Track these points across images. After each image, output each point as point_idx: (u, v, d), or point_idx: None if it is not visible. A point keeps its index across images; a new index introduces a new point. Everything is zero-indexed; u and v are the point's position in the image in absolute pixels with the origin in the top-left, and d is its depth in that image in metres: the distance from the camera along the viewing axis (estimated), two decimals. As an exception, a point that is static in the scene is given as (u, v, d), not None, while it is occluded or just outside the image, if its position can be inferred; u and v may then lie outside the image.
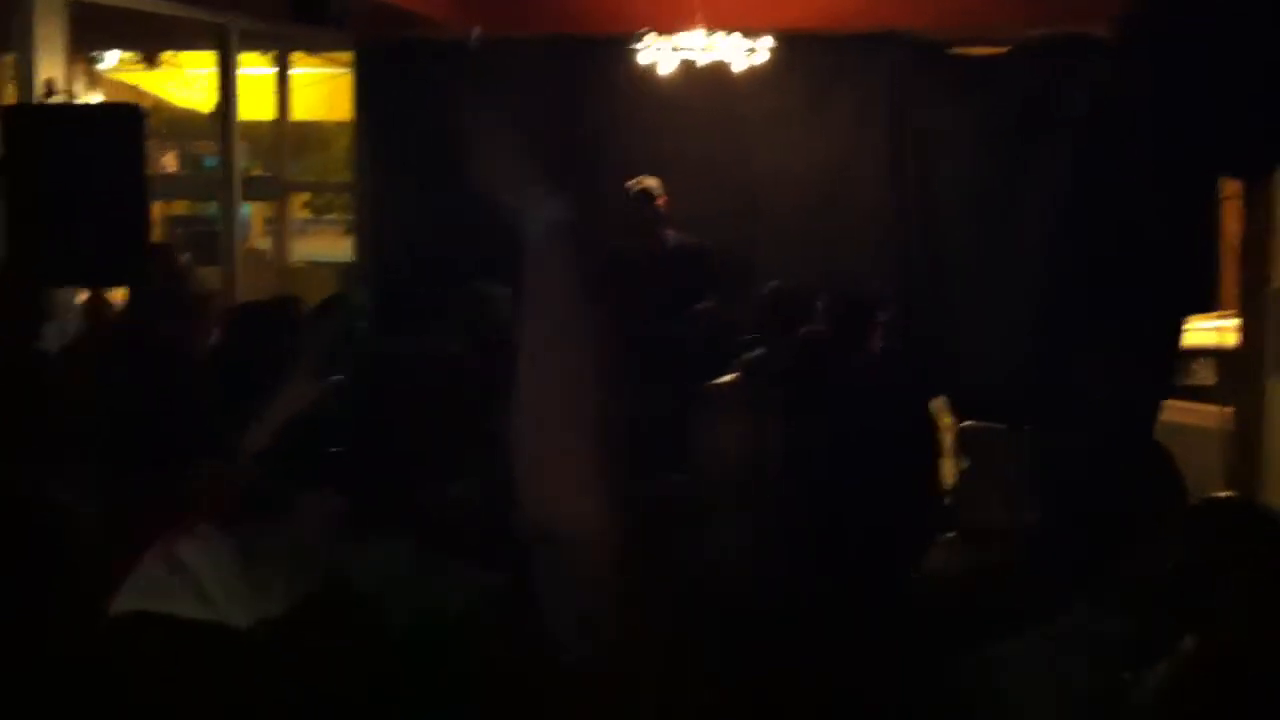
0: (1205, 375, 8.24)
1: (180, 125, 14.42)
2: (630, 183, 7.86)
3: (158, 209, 12.65)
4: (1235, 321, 7.18)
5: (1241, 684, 2.29)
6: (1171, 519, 2.76)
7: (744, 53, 7.90)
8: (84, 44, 8.99)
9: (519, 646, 2.24)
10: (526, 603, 2.36)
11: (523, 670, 2.15)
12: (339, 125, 13.14)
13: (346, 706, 1.58)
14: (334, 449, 2.55)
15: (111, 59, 11.21)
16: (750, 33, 7.95)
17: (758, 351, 5.90)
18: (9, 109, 7.66)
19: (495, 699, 2.16)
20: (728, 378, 5.73)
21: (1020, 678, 2.54)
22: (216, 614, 1.74)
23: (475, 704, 2.13)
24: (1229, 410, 7.02)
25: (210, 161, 13.80)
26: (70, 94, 7.48)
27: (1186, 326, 7.43)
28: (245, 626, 1.66)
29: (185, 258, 5.76)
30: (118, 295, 6.32)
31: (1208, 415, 7.30)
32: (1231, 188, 7.41)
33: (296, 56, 10.88)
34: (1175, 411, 7.51)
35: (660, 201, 7.83)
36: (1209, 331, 7.57)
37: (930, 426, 6.14)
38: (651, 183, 7.84)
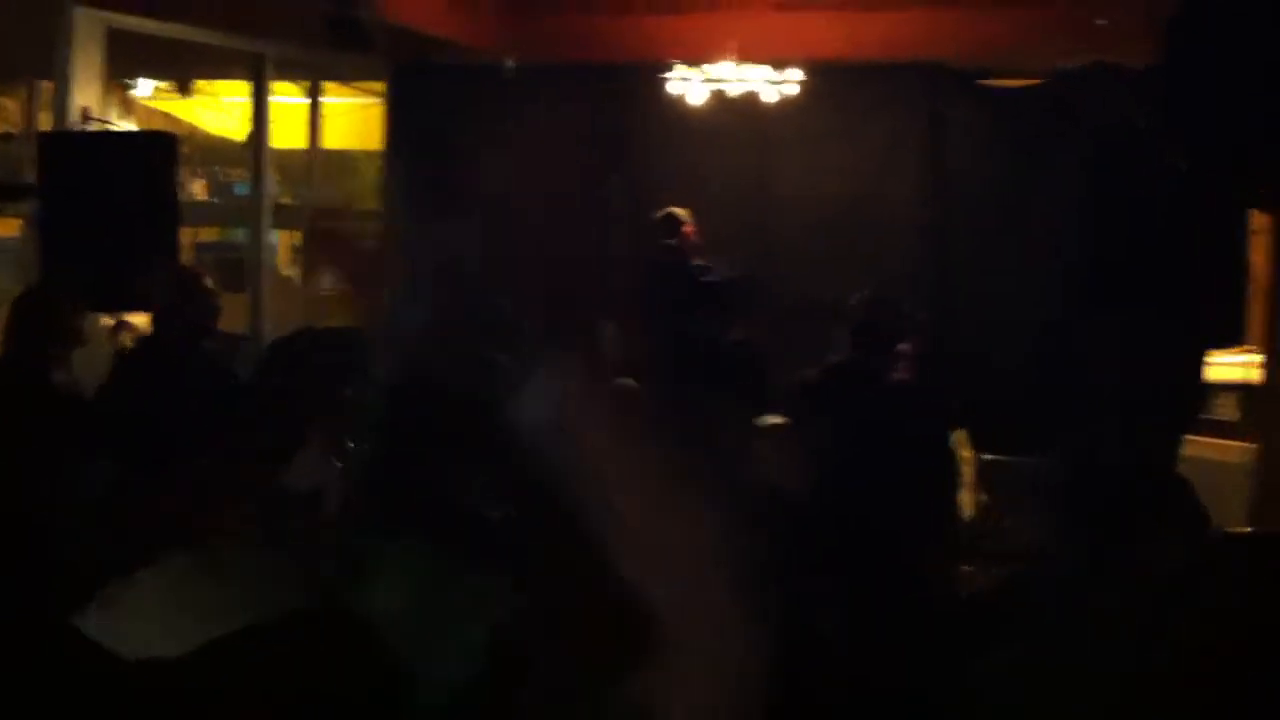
0: (1229, 410, 8.21)
1: (212, 152, 14.51)
2: (658, 214, 7.88)
3: (186, 235, 12.73)
4: (1260, 357, 7.16)
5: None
6: (1195, 552, 2.78)
7: (773, 84, 7.95)
8: (119, 71, 9.08)
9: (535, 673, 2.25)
10: (543, 620, 2.37)
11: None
12: (369, 154, 13.23)
13: None
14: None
15: (146, 87, 11.31)
16: (780, 64, 7.99)
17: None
18: (45, 135, 7.77)
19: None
20: (773, 419, 5.69)
21: (1041, 703, 2.56)
22: (115, 638, 1.71)
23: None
24: (1254, 446, 6.99)
25: (240, 188, 13.89)
26: (105, 121, 7.57)
27: (1212, 360, 7.42)
28: (132, 658, 1.61)
29: (208, 282, 5.81)
30: (141, 319, 6.37)
31: (1232, 450, 7.28)
32: (1259, 222, 7.41)
33: (329, 86, 10.96)
34: (1199, 446, 7.49)
35: (688, 230, 7.85)
36: (1234, 366, 7.55)
37: (949, 459, 6.14)
38: (678, 212, 7.87)
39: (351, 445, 2.75)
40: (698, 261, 7.84)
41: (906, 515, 5.13)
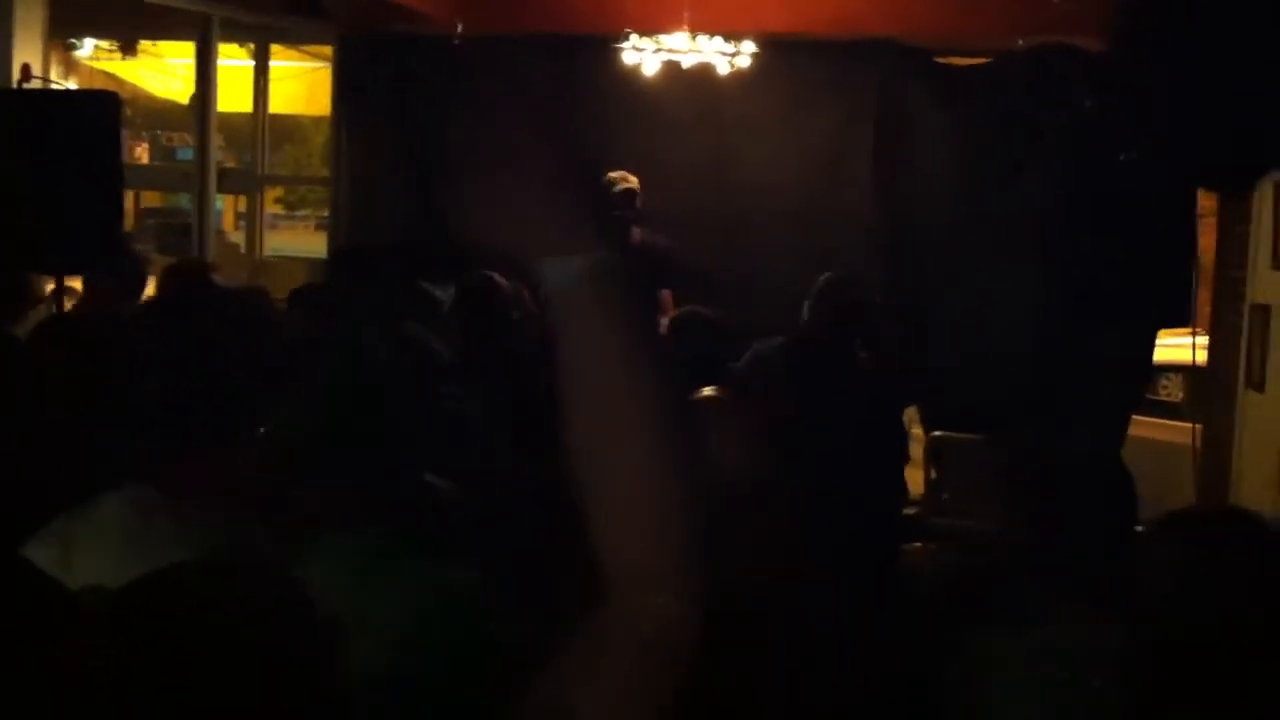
0: (1173, 391, 8.28)
1: (155, 115, 14.35)
2: (614, 175, 7.80)
3: (129, 200, 12.57)
4: (1205, 339, 7.22)
5: (1218, 689, 2.30)
6: (1140, 530, 2.79)
7: (727, 56, 7.89)
8: (62, 30, 8.92)
9: (490, 648, 2.21)
10: (499, 601, 2.33)
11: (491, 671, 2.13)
12: (316, 120, 13.10)
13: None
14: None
15: (88, 47, 11.14)
16: (733, 36, 7.94)
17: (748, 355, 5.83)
18: (-16, 93, 7.61)
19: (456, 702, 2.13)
20: (710, 390, 5.68)
21: (998, 683, 2.55)
22: (65, 570, 1.67)
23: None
24: (1197, 427, 7.05)
25: (184, 153, 13.72)
26: (46, 80, 7.42)
27: (1158, 342, 7.48)
28: (75, 586, 1.58)
29: (140, 248, 5.74)
30: (75, 282, 6.27)
31: (1178, 431, 7.34)
32: (1205, 204, 7.46)
33: (276, 49, 10.83)
34: (1144, 427, 7.55)
35: (638, 202, 7.81)
36: (1179, 348, 7.61)
37: (902, 436, 6.15)
38: (634, 181, 7.79)
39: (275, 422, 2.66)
40: (637, 230, 7.75)
41: (859, 491, 5.13)
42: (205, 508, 2.03)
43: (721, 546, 2.09)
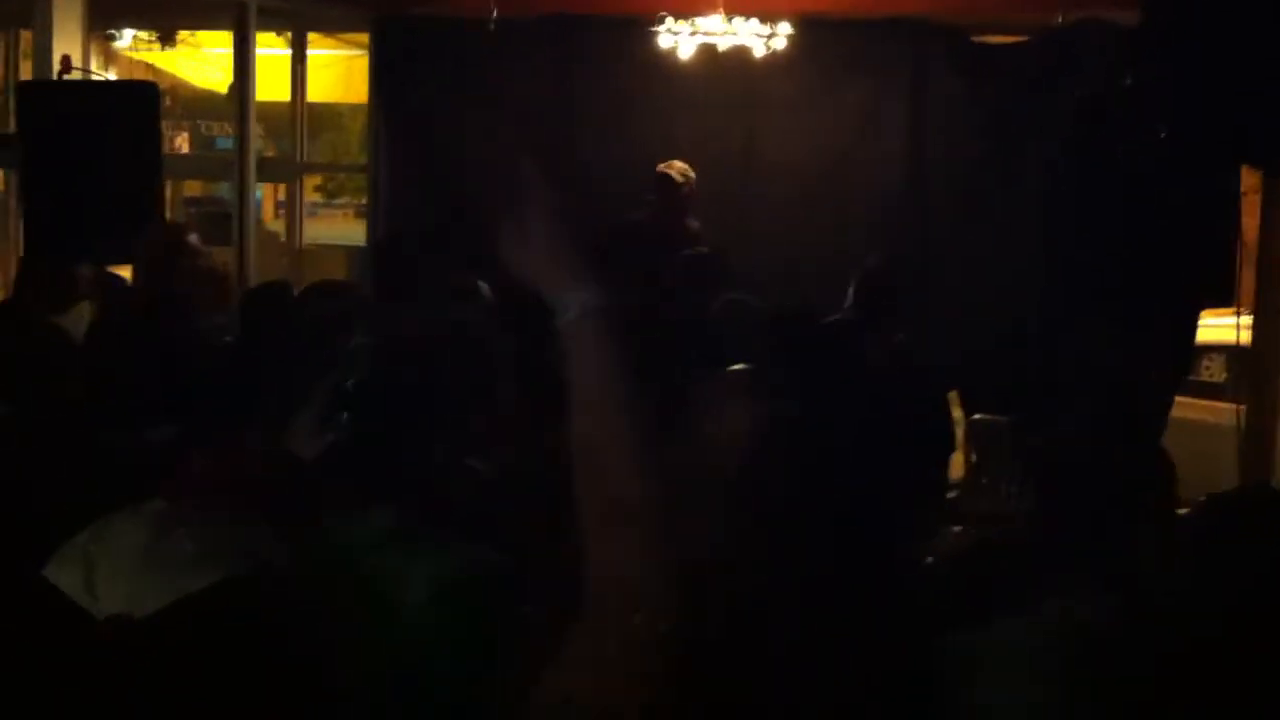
0: (1216, 372, 8.22)
1: (194, 105, 14.44)
2: (661, 166, 7.74)
3: (169, 189, 12.66)
4: (1248, 318, 7.14)
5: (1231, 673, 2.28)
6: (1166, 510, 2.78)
7: (763, 37, 7.87)
8: (101, 21, 8.98)
9: (515, 627, 2.22)
10: (527, 586, 2.34)
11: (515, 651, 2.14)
12: (353, 107, 13.14)
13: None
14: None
15: (127, 38, 11.21)
16: (769, 17, 7.91)
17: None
18: (25, 85, 7.68)
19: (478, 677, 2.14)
20: (740, 366, 5.68)
21: (1002, 662, 2.55)
22: (90, 597, 1.68)
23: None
24: (1240, 407, 6.98)
25: (223, 142, 13.80)
26: (86, 71, 7.47)
27: (1200, 321, 7.41)
28: (101, 616, 1.58)
29: (194, 237, 5.76)
30: (126, 271, 6.31)
31: (1221, 412, 7.28)
32: (1248, 182, 7.37)
33: (313, 38, 10.87)
34: (1188, 408, 7.49)
35: (686, 189, 7.69)
36: (1221, 328, 7.54)
37: (946, 418, 6.12)
38: (680, 166, 7.72)
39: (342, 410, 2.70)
40: (681, 226, 7.68)
41: (902, 478, 5.11)
42: (216, 513, 2.03)
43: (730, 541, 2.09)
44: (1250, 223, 7.38)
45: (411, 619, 2.12)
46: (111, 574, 1.77)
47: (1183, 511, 2.88)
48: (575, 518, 1.76)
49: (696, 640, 1.77)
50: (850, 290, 6.09)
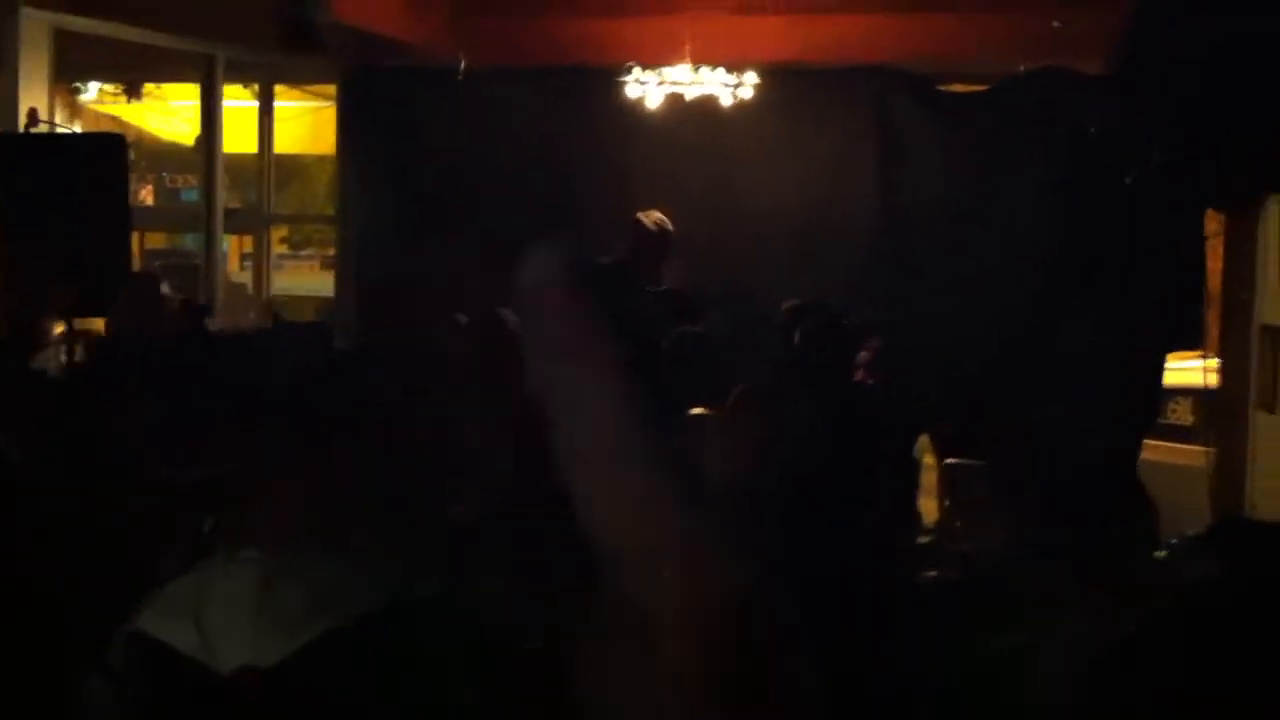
0: (1184, 415, 8.26)
1: (159, 157, 14.38)
2: (640, 215, 7.68)
3: (135, 241, 12.61)
4: (1215, 361, 7.20)
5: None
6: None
7: (730, 87, 7.93)
8: (67, 74, 8.96)
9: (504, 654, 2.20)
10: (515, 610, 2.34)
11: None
12: (320, 158, 13.13)
13: None
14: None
15: (93, 90, 11.19)
16: (735, 67, 7.97)
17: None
18: (-9, 137, 7.65)
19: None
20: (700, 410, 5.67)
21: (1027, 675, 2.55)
22: (207, 652, 1.68)
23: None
24: (1209, 450, 7.02)
25: (188, 194, 13.75)
26: (53, 124, 7.46)
27: (1168, 365, 7.46)
28: (228, 670, 1.58)
29: (165, 286, 5.75)
30: (98, 324, 6.28)
31: (1189, 454, 7.31)
32: (1212, 226, 7.45)
33: (280, 90, 10.88)
34: (1156, 450, 7.53)
35: (660, 238, 7.64)
36: (1189, 371, 7.59)
37: (910, 463, 6.14)
38: (656, 216, 7.68)
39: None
40: (653, 273, 7.65)
41: (860, 520, 5.10)
42: (313, 558, 2.00)
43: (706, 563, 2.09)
44: (1214, 265, 7.45)
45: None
46: (225, 627, 1.75)
47: (1158, 554, 2.89)
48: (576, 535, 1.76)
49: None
50: (797, 333, 6.13)
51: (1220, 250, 7.45)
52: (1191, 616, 2.49)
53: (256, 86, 10.54)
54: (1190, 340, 7.20)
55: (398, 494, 2.40)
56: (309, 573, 1.73)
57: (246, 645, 1.63)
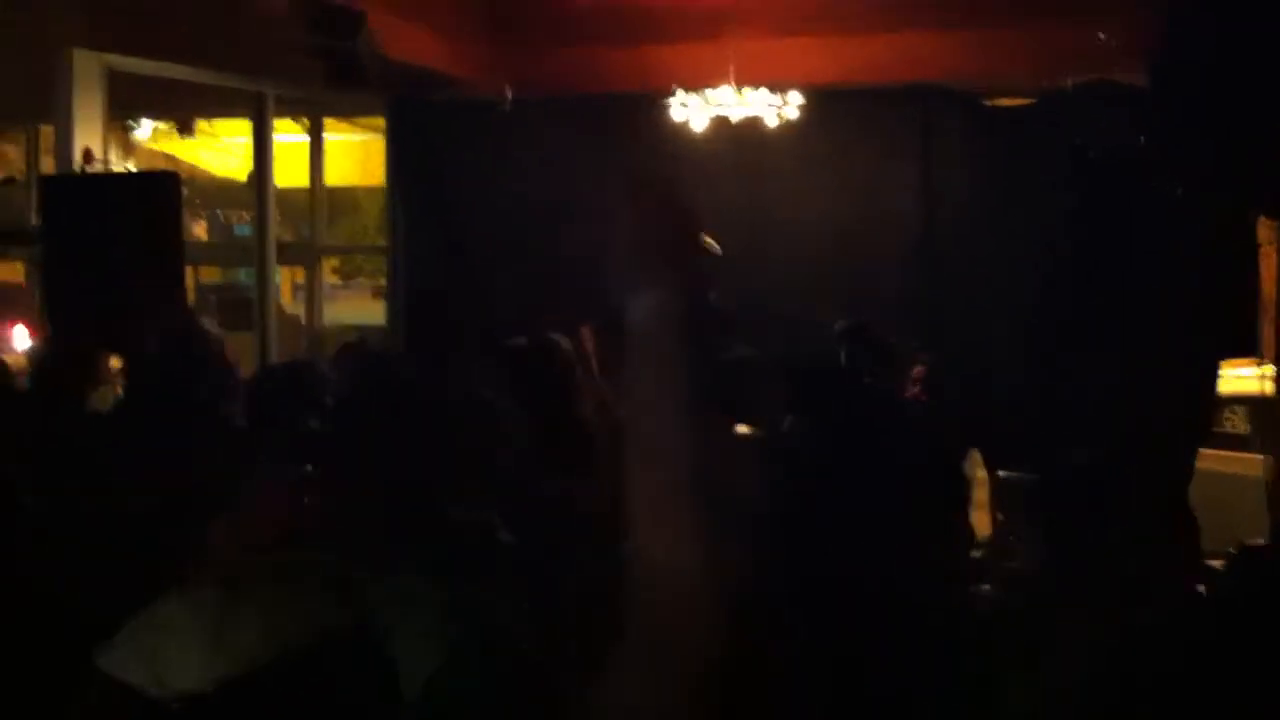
0: (1239, 423, 8.20)
1: (212, 193, 14.56)
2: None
3: (188, 276, 12.75)
4: (1271, 369, 7.14)
5: None
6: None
7: (775, 108, 7.95)
8: (120, 113, 9.11)
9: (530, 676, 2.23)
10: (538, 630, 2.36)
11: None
12: (370, 190, 13.26)
13: None
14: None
15: (146, 128, 11.34)
16: (779, 88, 8.00)
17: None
18: (47, 179, 7.79)
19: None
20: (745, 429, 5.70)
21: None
22: (161, 688, 1.71)
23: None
24: (1265, 458, 6.97)
25: (240, 229, 13.92)
26: (107, 163, 7.57)
27: (1223, 373, 7.41)
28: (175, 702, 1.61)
29: (207, 321, 5.83)
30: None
31: (1246, 463, 7.26)
32: (1265, 234, 7.40)
33: (329, 123, 11.00)
34: (1211, 460, 7.47)
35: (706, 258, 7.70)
36: (1244, 379, 7.54)
37: (959, 479, 6.11)
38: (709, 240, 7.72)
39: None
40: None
41: (908, 535, 5.09)
42: (274, 588, 2.05)
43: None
44: (1268, 274, 7.40)
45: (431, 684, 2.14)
46: (178, 661, 1.79)
47: (1214, 564, 2.89)
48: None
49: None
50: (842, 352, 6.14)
51: (1273, 258, 7.40)
52: (1237, 629, 2.49)
53: (307, 121, 10.66)
54: (1241, 348, 7.14)
55: (413, 508, 2.44)
56: (264, 600, 1.77)
57: (196, 677, 1.66)
